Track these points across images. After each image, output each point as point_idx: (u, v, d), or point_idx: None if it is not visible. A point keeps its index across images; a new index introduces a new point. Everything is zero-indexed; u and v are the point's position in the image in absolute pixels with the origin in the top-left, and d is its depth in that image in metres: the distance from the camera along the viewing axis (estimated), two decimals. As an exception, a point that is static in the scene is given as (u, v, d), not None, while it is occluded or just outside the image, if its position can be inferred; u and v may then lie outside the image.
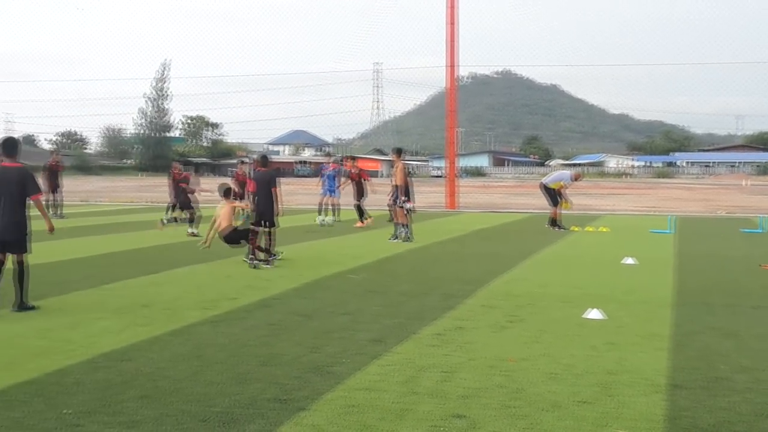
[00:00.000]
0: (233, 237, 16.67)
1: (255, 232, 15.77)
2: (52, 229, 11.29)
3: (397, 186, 21.24)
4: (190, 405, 6.56)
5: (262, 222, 15.80)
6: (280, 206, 16.07)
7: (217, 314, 10.60)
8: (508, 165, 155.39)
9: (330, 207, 28.83)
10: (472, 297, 12.16)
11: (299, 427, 6.05)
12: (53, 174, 30.34)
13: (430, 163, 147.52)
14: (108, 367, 7.79)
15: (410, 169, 26.13)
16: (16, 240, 10.46)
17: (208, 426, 6.05)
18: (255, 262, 15.39)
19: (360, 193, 28.07)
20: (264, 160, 16.66)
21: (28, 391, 6.94)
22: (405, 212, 21.07)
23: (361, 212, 27.48)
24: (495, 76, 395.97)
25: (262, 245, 15.80)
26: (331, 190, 28.89)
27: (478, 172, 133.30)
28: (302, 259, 16.79)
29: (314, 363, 7.99)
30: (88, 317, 10.28)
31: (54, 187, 30.05)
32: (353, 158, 30.93)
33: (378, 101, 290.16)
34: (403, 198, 21.01)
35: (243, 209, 17.25)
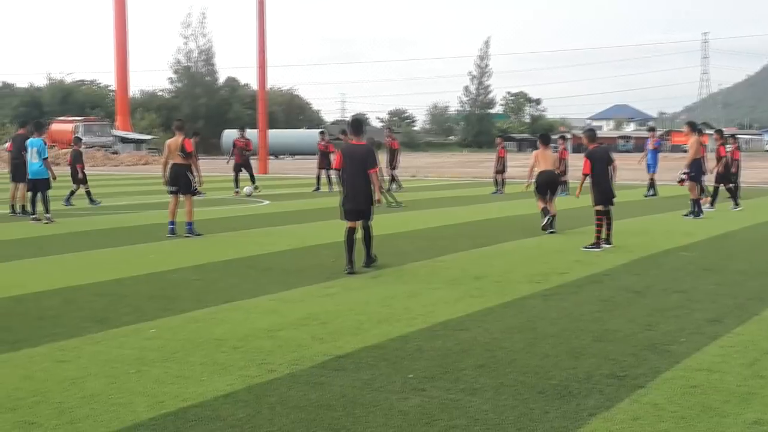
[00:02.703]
0: (551, 181, 17.28)
1: (608, 217, 14.81)
2: (379, 201, 12.44)
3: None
4: (527, 376, 6.67)
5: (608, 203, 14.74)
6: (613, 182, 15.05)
7: (548, 288, 10.67)
8: None
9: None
10: (819, 278, 11.37)
11: (638, 404, 5.98)
12: (390, 151, 31.97)
13: (763, 137, 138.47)
14: (446, 335, 8.10)
15: (740, 144, 25.03)
16: (367, 208, 12.12)
17: (546, 398, 6.13)
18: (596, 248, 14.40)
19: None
20: (592, 134, 15.63)
21: (374, 354, 7.38)
22: (682, 184, 20.41)
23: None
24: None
25: (603, 232, 14.71)
26: (651, 165, 28.13)
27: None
28: (630, 234, 16.42)
29: (650, 341, 7.84)
30: (425, 287, 10.73)
31: (389, 163, 31.65)
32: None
33: (705, 72, 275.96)
34: (684, 170, 20.20)
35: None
